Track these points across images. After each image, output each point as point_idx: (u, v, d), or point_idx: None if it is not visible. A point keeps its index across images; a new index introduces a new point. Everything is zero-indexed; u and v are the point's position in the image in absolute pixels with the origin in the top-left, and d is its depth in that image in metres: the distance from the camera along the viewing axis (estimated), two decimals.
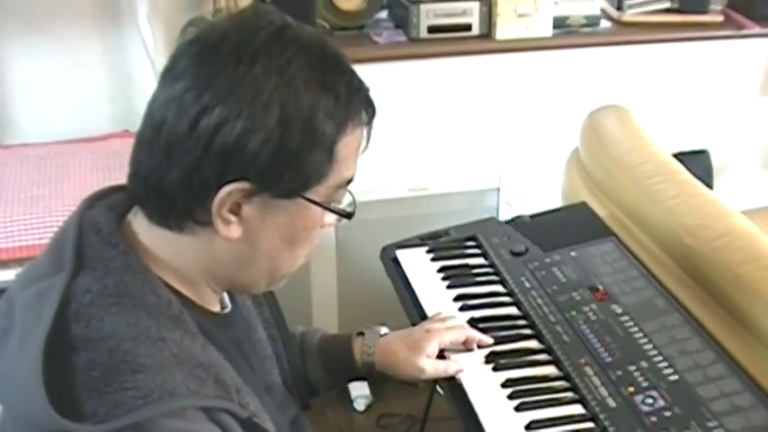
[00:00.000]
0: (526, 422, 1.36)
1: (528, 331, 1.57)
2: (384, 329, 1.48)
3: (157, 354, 0.95)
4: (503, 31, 2.60)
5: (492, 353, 1.51)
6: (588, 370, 1.45)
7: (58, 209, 2.04)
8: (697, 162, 2.81)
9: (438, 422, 1.81)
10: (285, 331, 1.36)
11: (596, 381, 1.42)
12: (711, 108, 2.93)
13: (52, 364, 0.92)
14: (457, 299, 1.67)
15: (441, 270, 1.76)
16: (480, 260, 1.80)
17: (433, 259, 1.80)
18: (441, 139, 2.75)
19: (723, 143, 2.99)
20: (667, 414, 1.34)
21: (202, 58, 0.97)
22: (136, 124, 1.04)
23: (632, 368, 1.44)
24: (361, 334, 1.47)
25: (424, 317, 1.61)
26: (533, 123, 2.80)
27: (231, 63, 0.96)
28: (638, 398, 1.38)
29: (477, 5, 2.58)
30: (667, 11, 2.82)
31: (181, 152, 0.97)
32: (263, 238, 1.03)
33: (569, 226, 1.88)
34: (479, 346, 1.52)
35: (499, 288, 1.70)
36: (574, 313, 1.58)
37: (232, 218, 1.00)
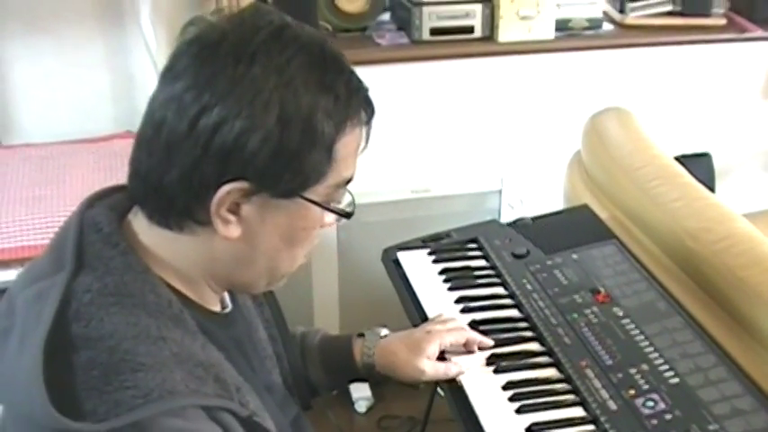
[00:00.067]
0: (527, 424, 1.35)
1: (529, 333, 1.57)
2: (384, 331, 1.48)
3: (157, 353, 0.95)
4: (505, 34, 2.60)
5: (493, 355, 1.50)
6: (589, 372, 1.45)
7: (59, 209, 2.04)
8: (699, 165, 2.81)
9: (439, 424, 1.81)
10: (285, 331, 1.36)
11: (597, 383, 1.42)
12: (714, 111, 2.93)
13: (52, 363, 0.92)
14: (458, 301, 1.67)
15: (442, 272, 1.76)
16: (482, 262, 1.80)
17: (435, 261, 1.80)
18: (443, 142, 2.75)
19: (725, 146, 2.99)
20: (668, 417, 1.34)
21: (202, 58, 0.98)
22: (138, 125, 1.04)
23: (633, 371, 1.44)
24: (362, 335, 1.47)
25: (425, 319, 1.61)
26: (535, 126, 2.80)
27: (230, 63, 0.96)
28: (639, 401, 1.38)
29: (479, 8, 2.58)
30: (670, 14, 2.82)
31: (180, 151, 0.97)
32: (263, 237, 1.03)
33: (571, 228, 1.88)
34: (480, 348, 1.51)
35: (500, 290, 1.70)
36: (575, 316, 1.58)
37: (231, 217, 1.00)
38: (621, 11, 2.81)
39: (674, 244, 1.73)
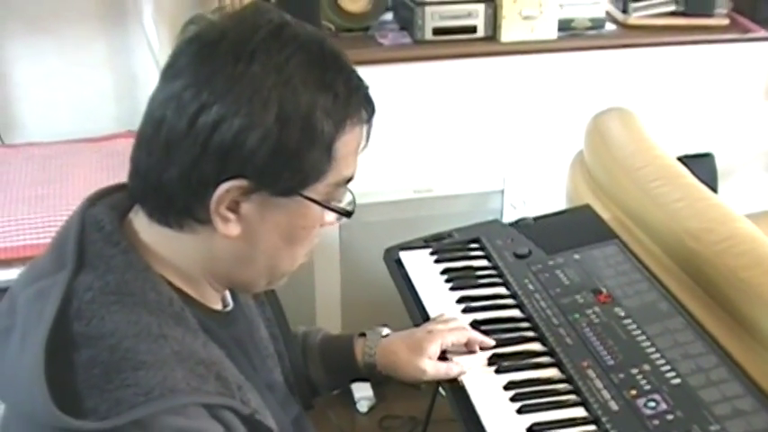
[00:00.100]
0: (528, 425, 1.35)
1: (531, 334, 1.57)
2: (386, 330, 1.48)
3: (158, 351, 0.95)
4: (508, 34, 2.60)
5: (494, 355, 1.50)
6: (591, 373, 1.45)
7: (62, 208, 2.05)
8: (702, 165, 2.81)
9: (440, 424, 1.81)
10: (287, 330, 1.36)
11: (599, 384, 1.42)
12: (716, 111, 2.93)
13: (54, 361, 0.92)
14: (460, 301, 1.67)
15: (444, 272, 1.76)
16: (483, 262, 1.80)
17: (437, 261, 1.80)
18: (445, 141, 2.75)
19: (728, 146, 2.99)
20: (669, 417, 1.34)
21: (202, 56, 0.98)
22: None
23: (635, 371, 1.44)
24: (363, 335, 1.47)
25: (426, 318, 1.61)
26: (538, 126, 2.80)
27: (230, 61, 0.96)
28: (641, 401, 1.38)
29: (482, 7, 2.58)
30: (672, 14, 2.82)
31: (180, 150, 0.97)
32: (263, 236, 1.03)
33: (573, 228, 1.88)
34: (481, 349, 1.51)
35: (502, 290, 1.70)
36: (577, 316, 1.58)
37: (231, 216, 1.00)
38: (624, 11, 2.81)
39: (676, 244, 1.73)
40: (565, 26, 2.68)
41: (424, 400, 1.82)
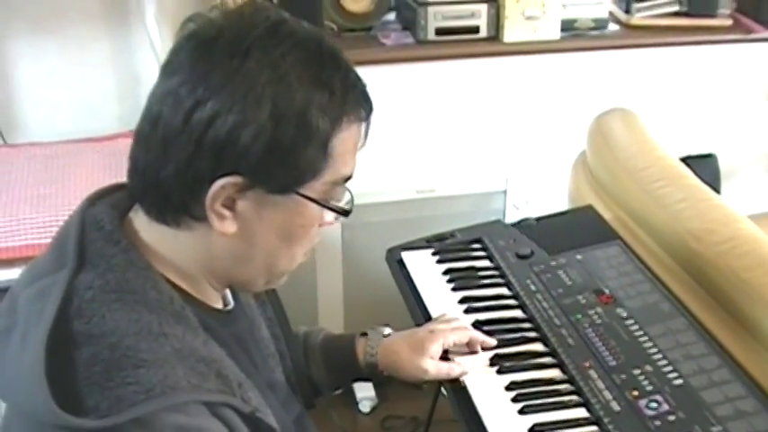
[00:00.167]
0: (530, 425, 1.35)
1: (533, 334, 1.57)
2: (387, 330, 1.48)
3: (159, 349, 0.95)
4: (510, 34, 2.60)
5: (496, 355, 1.50)
6: (592, 373, 1.45)
7: (64, 208, 2.05)
8: (704, 166, 2.81)
9: (442, 424, 1.81)
10: (288, 330, 1.36)
11: (600, 384, 1.42)
12: (719, 112, 2.93)
13: (54, 360, 0.92)
14: (462, 301, 1.67)
15: (446, 272, 1.76)
16: (486, 262, 1.79)
17: (439, 261, 1.80)
18: (447, 142, 2.75)
19: (731, 147, 2.98)
20: (671, 418, 1.34)
21: (198, 53, 0.98)
22: None
23: (637, 372, 1.44)
24: (365, 334, 1.47)
25: (428, 319, 1.61)
26: (540, 126, 2.79)
27: (226, 57, 0.97)
28: (643, 402, 1.38)
29: (484, 8, 2.58)
30: (676, 14, 2.82)
31: (176, 146, 0.97)
32: (259, 234, 1.03)
33: (575, 229, 1.88)
34: (483, 349, 1.51)
35: (504, 291, 1.70)
36: (579, 316, 1.58)
37: (226, 213, 1.00)
38: (627, 11, 2.80)
39: (678, 245, 1.73)
40: (568, 26, 2.68)
41: (427, 401, 1.82)
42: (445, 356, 1.47)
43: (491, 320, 1.60)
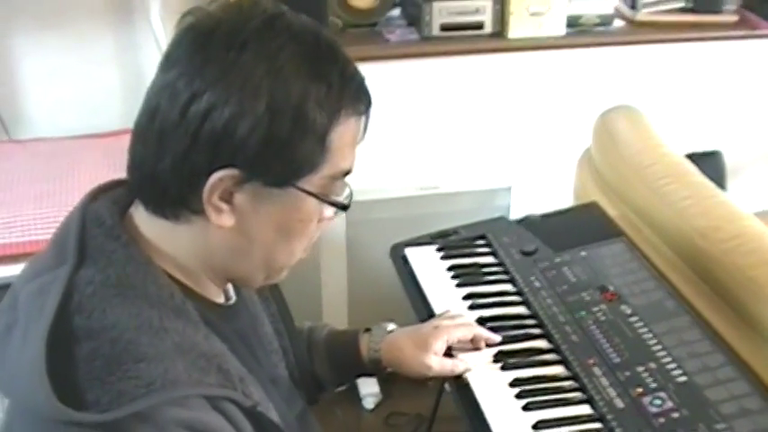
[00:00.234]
0: (533, 422, 1.35)
1: (537, 331, 1.57)
2: (391, 326, 1.48)
3: (159, 343, 0.95)
4: (515, 30, 2.59)
5: (500, 352, 1.50)
6: (596, 370, 1.44)
7: (67, 204, 2.03)
8: (710, 163, 2.80)
9: (446, 421, 1.81)
10: (291, 326, 1.36)
11: (604, 381, 1.42)
12: (725, 109, 2.92)
13: (55, 355, 0.92)
14: (466, 297, 1.66)
15: (450, 269, 1.76)
16: (490, 259, 1.79)
17: (443, 258, 1.80)
18: (452, 138, 2.75)
19: (736, 144, 2.98)
20: (675, 416, 1.34)
21: (196, 46, 0.98)
22: None
23: (641, 369, 1.43)
24: (369, 330, 1.47)
25: (432, 315, 1.61)
26: (545, 123, 2.79)
27: (222, 50, 0.96)
28: (646, 399, 1.37)
29: (489, 4, 2.57)
30: (681, 10, 2.82)
31: (172, 139, 0.97)
32: (257, 228, 1.03)
33: (580, 226, 1.87)
34: (487, 345, 1.51)
35: (508, 287, 1.70)
36: (583, 313, 1.58)
37: (224, 206, 1.00)
38: (633, 7, 2.80)
39: (684, 242, 1.72)
40: (573, 23, 2.67)
41: (431, 397, 1.82)
42: (449, 353, 1.47)
43: (495, 317, 1.60)
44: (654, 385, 1.40)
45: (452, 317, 1.54)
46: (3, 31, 2.44)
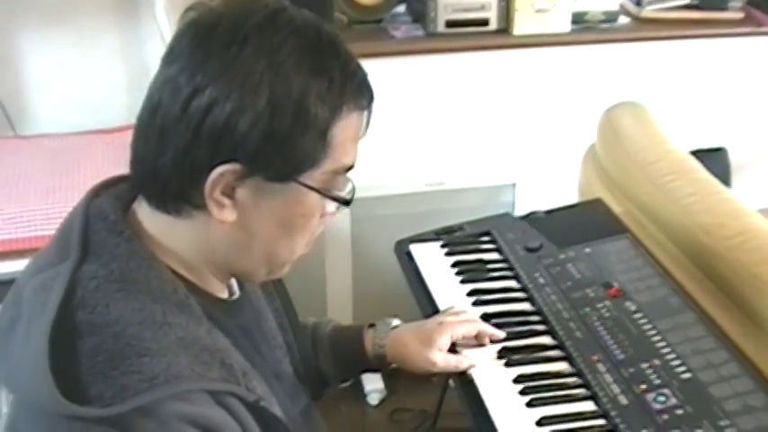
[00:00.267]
0: (537, 418, 1.35)
1: (541, 327, 1.57)
2: (396, 321, 1.48)
3: (163, 338, 0.95)
4: (520, 27, 2.59)
5: (504, 348, 1.50)
6: (600, 367, 1.44)
7: (73, 199, 2.02)
8: (715, 160, 2.80)
9: (451, 417, 1.81)
10: (296, 321, 1.36)
11: (608, 378, 1.42)
12: (730, 105, 2.91)
13: (58, 350, 0.92)
14: (470, 294, 1.66)
15: (455, 265, 1.76)
16: (494, 255, 1.79)
17: (448, 254, 1.80)
18: (457, 135, 2.75)
19: (741, 141, 2.97)
20: (679, 412, 1.33)
21: (197, 41, 0.98)
22: None
23: (645, 366, 1.43)
24: (374, 326, 1.47)
25: (437, 311, 1.61)
26: (550, 119, 2.79)
27: (224, 45, 0.97)
28: (650, 395, 1.37)
29: (495, 0, 2.57)
30: (686, 7, 2.81)
31: (174, 134, 0.97)
32: (259, 223, 1.03)
33: (584, 222, 1.87)
34: (492, 341, 1.51)
35: (513, 284, 1.70)
36: (587, 310, 1.58)
37: (225, 201, 1.00)
38: (638, 4, 2.80)
39: (688, 239, 1.72)
40: (578, 19, 2.67)
41: (435, 394, 1.83)
42: (453, 349, 1.47)
43: (499, 313, 1.60)
44: (658, 382, 1.40)
45: (457, 313, 1.54)
46: (8, 28, 2.44)
